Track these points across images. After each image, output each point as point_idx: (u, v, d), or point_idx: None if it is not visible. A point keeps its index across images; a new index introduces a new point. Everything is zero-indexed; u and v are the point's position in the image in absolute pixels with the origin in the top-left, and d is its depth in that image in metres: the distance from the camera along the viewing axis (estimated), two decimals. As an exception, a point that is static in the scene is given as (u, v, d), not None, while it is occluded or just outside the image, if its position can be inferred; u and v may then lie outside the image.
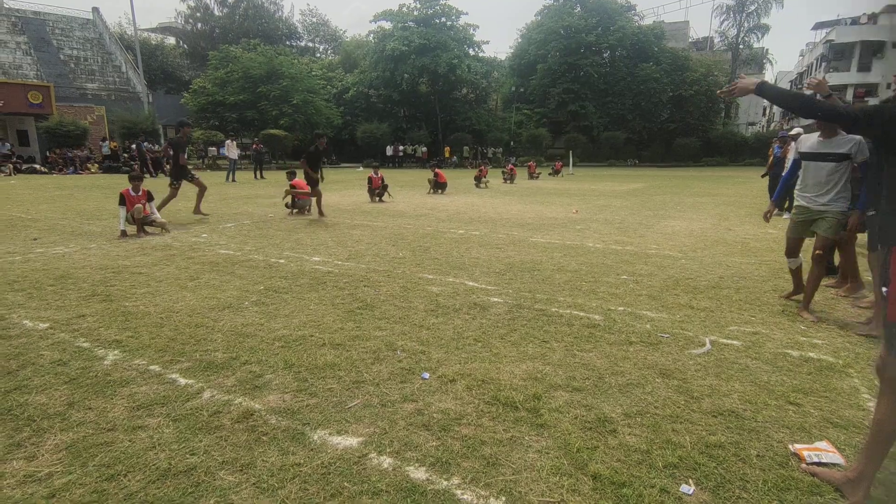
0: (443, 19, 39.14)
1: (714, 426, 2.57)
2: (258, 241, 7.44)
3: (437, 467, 2.22)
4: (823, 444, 2.36)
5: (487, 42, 60.32)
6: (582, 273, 5.67)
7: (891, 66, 39.49)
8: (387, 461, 2.26)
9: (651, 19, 47.40)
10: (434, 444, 2.39)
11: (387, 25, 39.72)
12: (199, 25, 50.13)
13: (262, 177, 22.42)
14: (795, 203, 4.59)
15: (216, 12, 50.03)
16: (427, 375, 3.08)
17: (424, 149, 37.87)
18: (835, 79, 41.99)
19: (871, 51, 40.68)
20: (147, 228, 8.03)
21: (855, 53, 41.29)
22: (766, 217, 5.00)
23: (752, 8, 44.53)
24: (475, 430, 2.50)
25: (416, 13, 38.99)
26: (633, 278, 5.47)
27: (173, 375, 3.08)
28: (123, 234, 7.68)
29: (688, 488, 2.08)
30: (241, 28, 47.54)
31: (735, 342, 3.70)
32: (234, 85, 33.04)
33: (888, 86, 39.51)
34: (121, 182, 17.46)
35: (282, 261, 6.19)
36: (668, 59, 40.63)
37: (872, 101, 37.49)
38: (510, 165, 22.61)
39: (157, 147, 25.67)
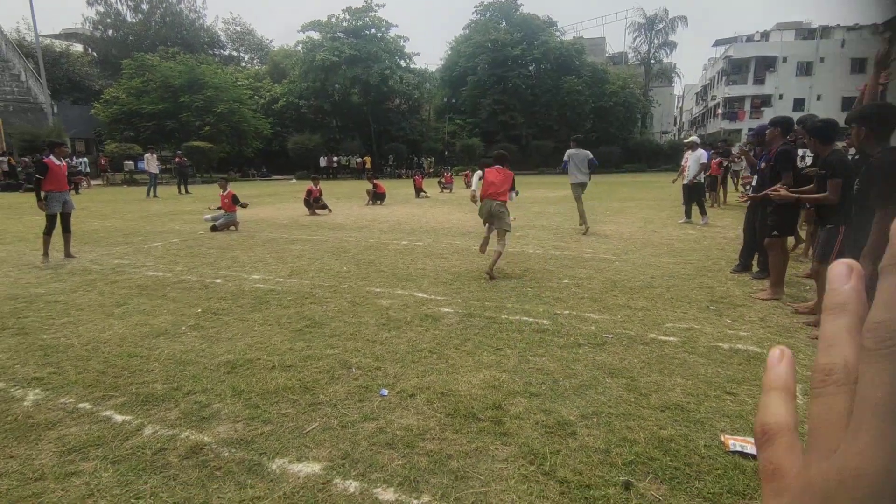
0: (373, 31, 39.03)
1: (663, 420, 2.72)
2: (190, 261, 7.02)
3: (405, 486, 2.19)
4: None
5: (418, 54, 60.91)
6: (526, 279, 5.83)
7: (782, 79, 44.02)
8: (353, 485, 2.20)
9: (571, 35, 49.69)
10: (400, 462, 2.36)
11: (315, 36, 39.03)
12: (111, 32, 46.78)
13: (186, 192, 21.19)
14: None
15: (129, 18, 46.92)
16: (385, 392, 3.04)
17: (359, 159, 37.30)
18: (734, 91, 46.23)
19: (765, 65, 45.13)
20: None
21: (751, 68, 45.60)
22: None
23: (661, 26, 48.13)
24: (440, 445, 2.49)
25: (345, 24, 38.61)
26: (574, 282, 5.69)
27: (107, 412, 2.83)
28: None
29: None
30: (157, 35, 44.83)
31: (672, 338, 3.95)
32: (153, 95, 31.07)
33: (780, 97, 44.07)
34: (21, 200, 15.89)
35: (218, 280, 5.87)
36: (588, 72, 42.85)
37: (767, 111, 41.67)
38: (447, 175, 22.85)
39: (73, 161, 23.55)
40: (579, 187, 9.47)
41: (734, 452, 2.39)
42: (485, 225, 6.32)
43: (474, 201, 6.29)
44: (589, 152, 9.41)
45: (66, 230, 7.38)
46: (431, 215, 12.70)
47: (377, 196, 15.57)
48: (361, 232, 9.81)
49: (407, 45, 40.48)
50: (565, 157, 9.45)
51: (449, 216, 12.47)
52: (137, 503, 2.09)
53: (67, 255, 7.33)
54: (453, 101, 44.61)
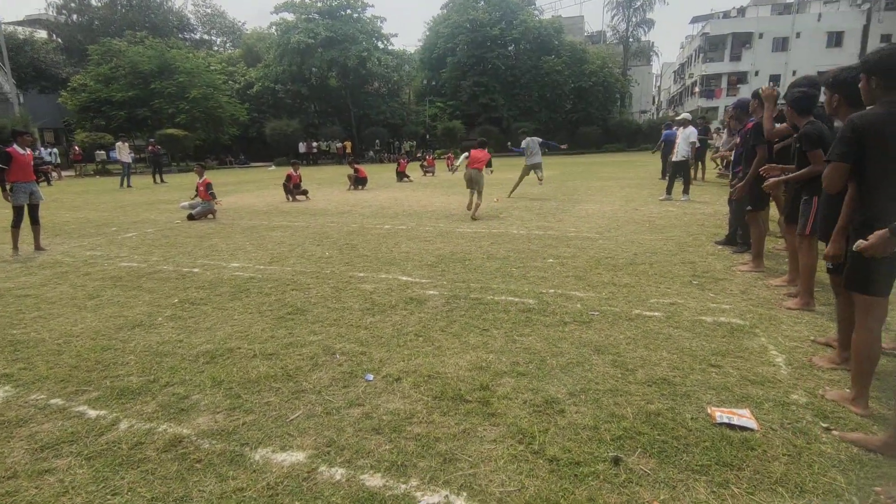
0: (348, 11, 38.08)
1: (650, 395, 2.72)
2: (166, 251, 6.83)
3: (392, 471, 2.15)
4: (744, 412, 2.51)
5: (396, 35, 59.50)
6: (511, 259, 5.79)
7: (758, 56, 44.34)
8: (339, 472, 2.15)
9: (550, 14, 49.22)
10: (387, 447, 2.31)
11: (289, 17, 37.95)
12: (75, 17, 44.84)
13: (162, 181, 20.65)
14: None
15: (94, 2, 45.04)
16: (371, 377, 2.98)
17: (340, 144, 36.67)
18: (711, 68, 46.41)
19: (741, 42, 45.36)
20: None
21: (727, 44, 45.79)
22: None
23: (639, 3, 47.89)
24: (427, 428, 2.45)
25: (319, 4, 37.59)
26: (558, 261, 5.68)
27: (81, 408, 2.73)
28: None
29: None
30: (124, 19, 43.08)
31: (657, 313, 3.95)
32: (122, 81, 29.98)
33: (756, 73, 44.42)
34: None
35: (196, 270, 5.72)
36: (567, 52, 42.47)
37: (743, 88, 42.02)
38: (429, 158, 22.62)
39: (38, 152, 22.73)
40: (538, 166, 12.04)
41: (721, 424, 2.40)
42: (468, 188, 9.10)
43: (453, 171, 9.71)
44: (539, 138, 12.26)
45: (35, 222, 7.11)
46: (414, 199, 12.57)
47: (359, 181, 15.35)
48: (343, 217, 9.67)
49: (384, 26, 39.71)
50: (524, 144, 11.82)
51: (431, 199, 12.36)
52: (114, 499, 2.01)
53: (38, 247, 7.08)
54: (433, 83, 43.97)
